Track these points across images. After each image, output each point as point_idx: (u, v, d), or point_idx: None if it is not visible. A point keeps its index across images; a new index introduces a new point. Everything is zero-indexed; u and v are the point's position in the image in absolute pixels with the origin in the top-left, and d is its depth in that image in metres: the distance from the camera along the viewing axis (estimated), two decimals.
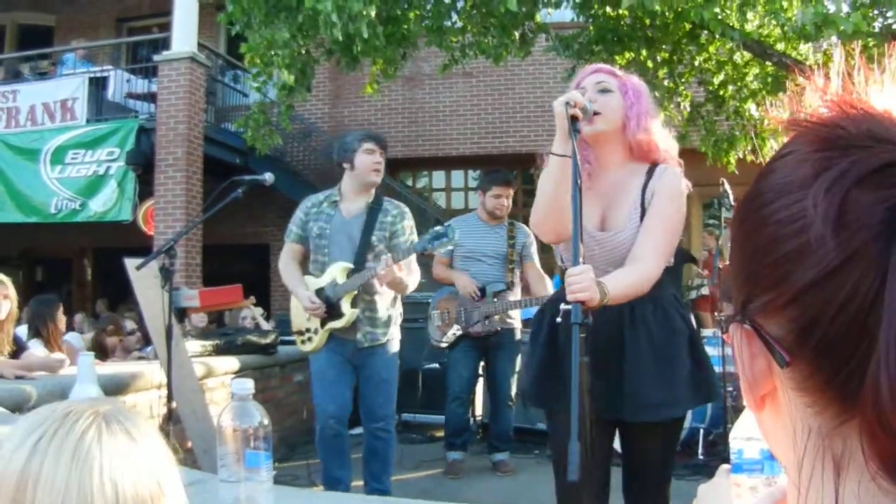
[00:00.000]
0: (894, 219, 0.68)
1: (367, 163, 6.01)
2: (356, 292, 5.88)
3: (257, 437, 2.12)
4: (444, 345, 7.77)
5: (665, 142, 3.71)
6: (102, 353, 7.84)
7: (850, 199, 0.71)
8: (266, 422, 2.14)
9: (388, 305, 6.08)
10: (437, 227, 5.60)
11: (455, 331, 7.67)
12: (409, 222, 6.09)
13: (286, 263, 6.22)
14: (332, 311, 5.91)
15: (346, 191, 6.15)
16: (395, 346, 6.20)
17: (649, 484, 3.68)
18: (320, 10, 8.81)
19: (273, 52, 9.74)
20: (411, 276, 5.92)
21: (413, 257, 5.92)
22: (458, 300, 7.68)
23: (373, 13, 9.16)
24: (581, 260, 3.11)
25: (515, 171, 18.79)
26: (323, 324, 5.99)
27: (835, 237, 0.70)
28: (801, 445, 0.78)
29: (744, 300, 0.82)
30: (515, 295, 7.83)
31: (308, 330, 6.10)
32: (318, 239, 6.04)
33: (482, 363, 8.09)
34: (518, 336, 7.91)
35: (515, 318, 7.91)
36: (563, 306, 3.09)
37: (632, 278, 3.42)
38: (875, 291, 0.68)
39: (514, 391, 7.78)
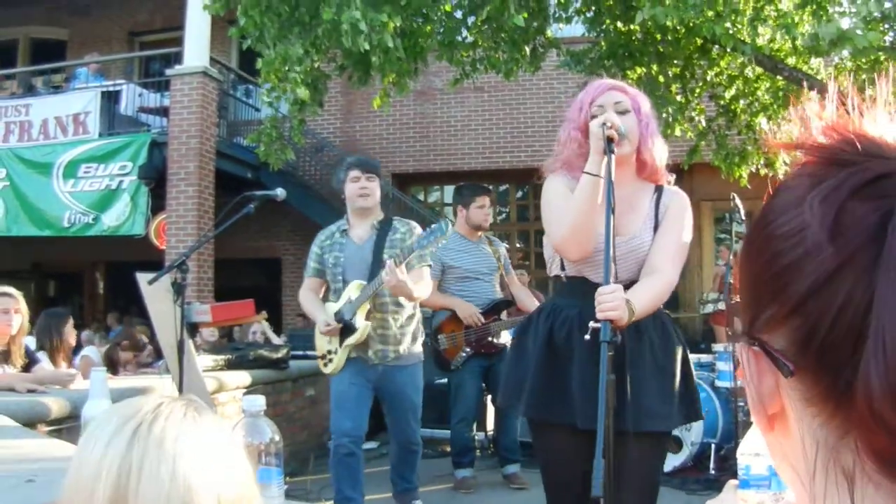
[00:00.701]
0: (885, 224, 0.70)
1: (353, 190, 6.12)
2: (369, 306, 5.92)
3: (269, 454, 2.13)
4: (454, 368, 7.76)
5: (662, 159, 3.77)
6: (112, 367, 7.82)
7: (845, 208, 0.74)
8: (277, 438, 2.15)
9: (401, 323, 6.11)
10: (432, 225, 5.69)
11: (465, 353, 7.67)
12: (419, 233, 6.09)
13: (305, 295, 6.33)
14: (349, 328, 5.97)
15: (351, 219, 6.25)
16: (416, 364, 6.28)
17: (638, 495, 3.67)
18: (343, 19, 8.83)
19: (288, 69, 9.75)
20: (419, 284, 5.94)
21: (425, 270, 6.04)
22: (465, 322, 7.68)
23: (398, 23, 9.20)
24: (611, 279, 3.13)
25: (527, 185, 18.88)
26: (341, 342, 6.03)
27: (831, 244, 0.73)
28: (811, 460, 0.79)
29: (749, 319, 0.84)
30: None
31: (329, 352, 6.16)
32: (333, 268, 6.14)
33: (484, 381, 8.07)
34: None
35: (507, 334, 7.95)
36: (592, 324, 3.11)
37: (654, 290, 3.50)
38: (870, 295, 0.70)
39: None
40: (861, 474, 0.74)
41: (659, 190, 3.77)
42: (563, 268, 3.75)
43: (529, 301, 7.88)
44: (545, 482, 3.82)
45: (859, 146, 0.78)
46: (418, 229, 6.17)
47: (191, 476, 1.13)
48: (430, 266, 6.20)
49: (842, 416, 0.74)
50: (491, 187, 19.06)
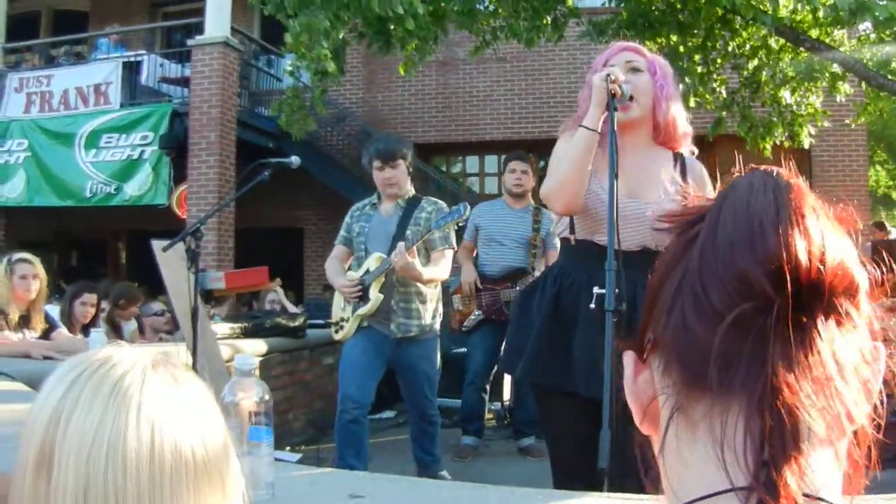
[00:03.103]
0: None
1: (378, 179, 6.18)
2: (384, 279, 5.94)
3: (259, 413, 2.12)
4: (464, 329, 7.77)
5: (684, 125, 3.68)
6: (117, 331, 7.75)
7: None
8: (267, 397, 2.14)
9: (425, 299, 6.13)
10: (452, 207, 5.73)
11: (476, 315, 7.68)
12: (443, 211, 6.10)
13: (329, 262, 6.39)
14: (363, 297, 6.00)
15: (382, 196, 6.29)
16: (433, 340, 6.28)
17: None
18: None
19: (313, 41, 9.73)
20: (438, 266, 5.98)
21: (448, 253, 6.09)
22: (481, 286, 7.69)
23: None
24: (616, 233, 3.05)
25: (549, 156, 18.82)
26: (354, 310, 6.06)
27: (680, 237, 0.93)
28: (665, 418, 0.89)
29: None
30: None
31: (342, 319, 6.20)
32: (358, 237, 6.20)
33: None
34: None
35: None
36: (596, 290, 3.06)
37: None
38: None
39: None
40: (677, 414, 0.87)
41: (679, 158, 3.67)
42: (572, 230, 3.63)
43: None
44: (549, 449, 3.79)
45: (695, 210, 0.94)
46: (445, 209, 6.14)
47: (125, 423, 1.06)
48: (452, 248, 6.20)
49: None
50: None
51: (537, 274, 7.82)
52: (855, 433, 0.85)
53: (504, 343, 4.07)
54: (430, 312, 6.19)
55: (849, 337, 0.83)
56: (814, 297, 0.81)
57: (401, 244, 5.58)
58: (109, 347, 1.18)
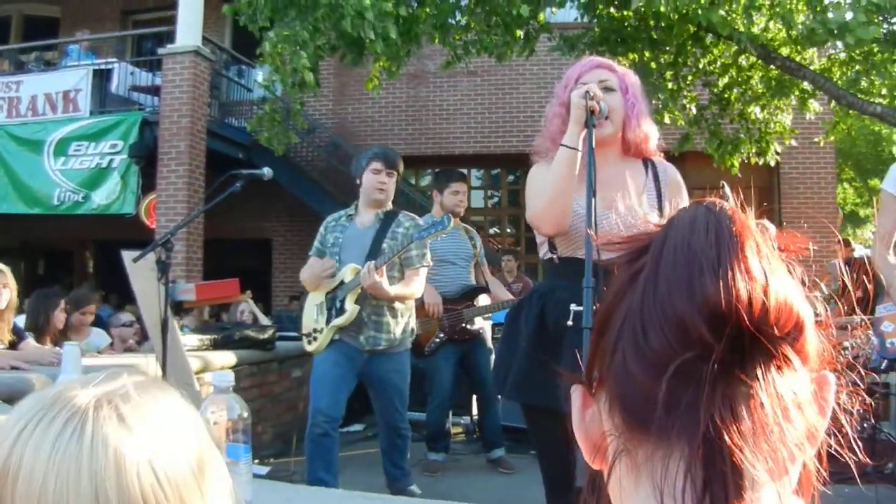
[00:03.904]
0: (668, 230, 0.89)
1: (372, 181, 6.13)
2: (359, 290, 5.90)
3: (237, 430, 2.10)
4: (427, 353, 7.76)
5: (654, 140, 3.70)
6: (64, 335, 7.60)
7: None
8: (245, 414, 2.12)
9: (397, 313, 6.10)
10: (435, 218, 5.74)
11: (441, 338, 7.68)
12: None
13: (304, 271, 6.32)
14: (339, 309, 5.98)
15: (360, 206, 6.26)
16: (404, 352, 6.26)
17: None
18: (347, 3, 8.82)
19: (292, 53, 9.72)
20: (409, 286, 6.00)
21: (422, 272, 6.12)
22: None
23: (402, 12, 9.20)
24: (596, 248, 3.05)
25: (519, 170, 18.86)
26: (328, 322, 6.02)
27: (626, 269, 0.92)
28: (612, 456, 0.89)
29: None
30: (485, 297, 7.90)
31: (315, 330, 6.16)
32: (332, 248, 6.16)
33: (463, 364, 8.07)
34: (489, 339, 8.10)
35: (483, 321, 8.04)
36: (573, 307, 3.06)
37: None
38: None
39: None
40: (621, 456, 0.87)
41: (650, 163, 3.70)
42: (553, 249, 3.65)
43: (502, 293, 7.95)
44: (541, 467, 3.76)
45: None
46: (422, 224, 6.14)
47: (66, 478, 1.01)
48: (428, 266, 6.22)
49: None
50: (482, 171, 19.18)
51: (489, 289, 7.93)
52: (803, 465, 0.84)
53: (494, 363, 4.06)
54: (402, 327, 6.16)
55: (792, 377, 0.82)
56: (755, 342, 0.79)
57: (370, 263, 5.59)
58: (56, 388, 1.13)
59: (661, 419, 0.79)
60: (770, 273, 0.82)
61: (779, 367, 0.80)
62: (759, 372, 0.79)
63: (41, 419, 1.04)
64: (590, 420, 0.95)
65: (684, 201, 3.62)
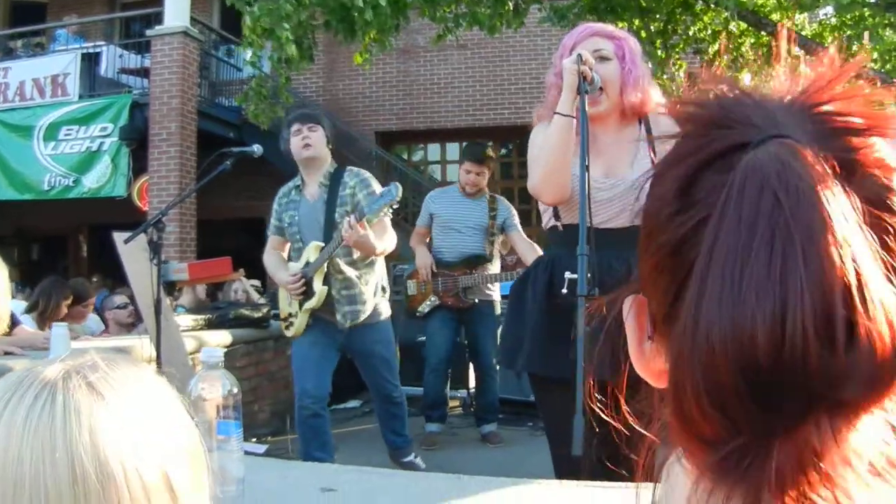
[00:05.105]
0: (727, 201, 0.68)
1: (296, 143, 5.97)
2: (325, 270, 5.85)
3: (227, 406, 2.08)
4: (419, 314, 7.74)
5: (653, 98, 3.65)
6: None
7: (696, 178, 0.74)
8: (235, 390, 2.10)
9: (367, 280, 6.03)
10: (383, 188, 5.54)
11: (432, 301, 7.67)
12: (369, 188, 5.90)
13: (268, 254, 6.30)
14: (308, 291, 5.92)
15: (303, 174, 6.14)
16: (384, 320, 6.21)
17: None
18: None
19: (273, 27, 9.68)
20: (383, 238, 5.79)
21: (386, 221, 5.82)
22: (437, 271, 7.68)
23: None
24: (589, 215, 3.02)
25: (511, 143, 18.83)
26: (300, 305, 5.99)
27: (679, 215, 0.74)
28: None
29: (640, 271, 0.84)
30: (495, 267, 7.87)
31: (290, 315, 6.13)
32: (290, 227, 6.08)
33: (463, 334, 8.10)
34: (498, 309, 7.96)
35: (495, 291, 7.92)
36: (568, 275, 3.04)
37: None
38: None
39: (496, 362, 7.81)
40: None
41: (643, 120, 3.65)
42: (557, 217, 3.63)
43: (529, 252, 7.82)
44: (549, 439, 3.72)
45: (728, 109, 0.77)
46: (370, 180, 5.99)
47: (41, 457, 0.98)
48: (388, 215, 5.76)
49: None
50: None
51: (496, 261, 7.85)
52: None
53: (500, 337, 4.02)
54: (373, 289, 6.07)
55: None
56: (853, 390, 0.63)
57: (350, 218, 5.37)
58: (22, 369, 1.09)
59: (723, 464, 0.66)
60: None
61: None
62: (845, 424, 0.64)
63: (10, 398, 1.02)
64: (650, 356, 0.84)
65: None
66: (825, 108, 0.74)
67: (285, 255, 6.27)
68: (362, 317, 5.97)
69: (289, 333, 6.20)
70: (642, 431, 0.86)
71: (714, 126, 0.76)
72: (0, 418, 1.01)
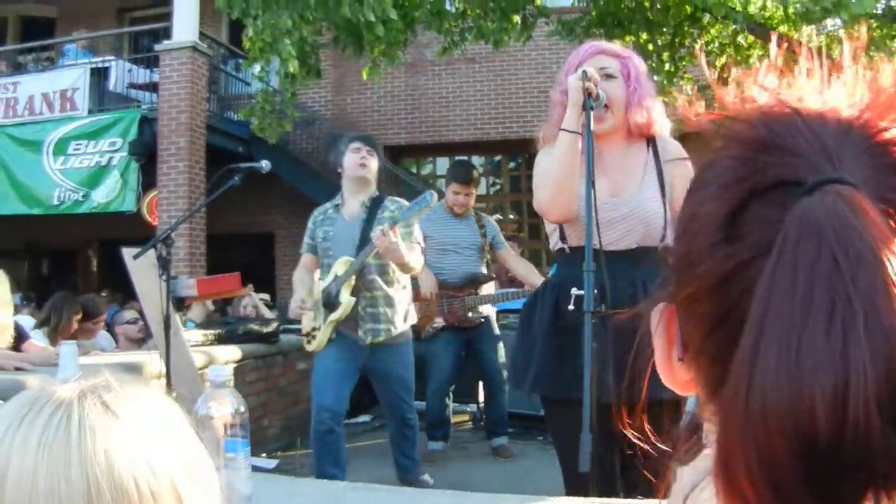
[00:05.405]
0: (773, 239, 0.65)
1: (353, 160, 6.11)
2: (353, 282, 5.91)
3: (234, 424, 2.09)
4: (424, 337, 7.74)
5: (661, 121, 3.66)
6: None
7: (745, 208, 0.70)
8: (243, 409, 2.11)
9: (392, 301, 6.09)
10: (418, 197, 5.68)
11: (437, 323, 7.68)
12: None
13: (297, 272, 6.34)
14: (334, 303, 5.96)
15: (345, 195, 6.24)
16: (405, 342, 6.26)
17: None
18: None
19: (275, 41, 9.72)
20: (412, 254, 5.91)
21: (416, 247, 6.02)
22: (440, 293, 7.68)
23: None
24: (596, 231, 3.03)
25: (519, 156, 18.84)
26: (325, 318, 6.03)
27: (725, 247, 0.70)
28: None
29: (673, 281, 0.80)
30: (490, 286, 7.89)
31: (314, 329, 6.16)
32: (323, 242, 6.14)
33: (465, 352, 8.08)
34: (496, 326, 8.07)
35: (490, 308, 8.00)
36: (574, 291, 3.05)
37: None
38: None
39: (504, 376, 7.84)
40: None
41: (651, 142, 3.66)
42: (563, 239, 3.63)
43: (528, 271, 7.86)
44: (560, 460, 3.70)
45: (781, 131, 0.72)
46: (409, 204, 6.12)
47: (57, 473, 0.99)
48: (420, 244, 6.15)
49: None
50: (483, 158, 19.13)
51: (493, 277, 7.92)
52: None
53: (509, 358, 4.01)
54: (401, 316, 6.16)
55: None
56: None
57: (382, 227, 5.53)
58: (36, 387, 1.11)
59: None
60: None
61: None
62: None
63: (25, 416, 1.03)
64: (677, 368, 0.82)
65: (688, 175, 3.60)
66: (887, 135, 0.70)
67: (316, 275, 6.30)
68: (383, 336, 6.01)
69: (310, 348, 6.22)
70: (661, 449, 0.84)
71: (762, 151, 0.72)
72: (16, 435, 1.02)
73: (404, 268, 5.98)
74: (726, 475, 0.64)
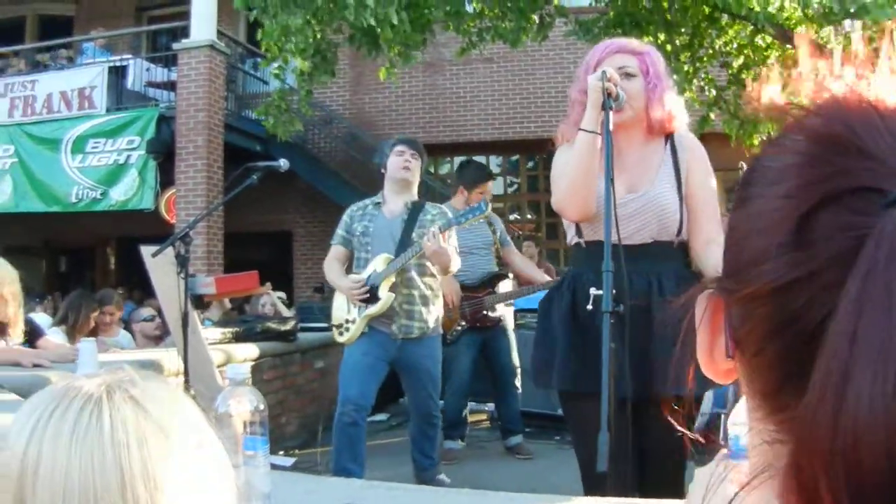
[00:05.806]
0: (857, 250, 0.60)
1: (397, 162, 6.27)
2: (394, 279, 5.99)
3: (254, 422, 2.09)
4: (449, 340, 7.75)
5: (680, 116, 3.66)
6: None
7: (817, 214, 0.65)
8: (262, 406, 2.11)
9: (428, 301, 6.18)
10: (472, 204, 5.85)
11: (462, 326, 7.69)
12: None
13: (329, 263, 6.37)
14: (371, 297, 6.01)
15: (387, 194, 6.34)
16: (436, 339, 6.34)
17: (668, 466, 3.52)
18: None
19: (286, 39, 9.75)
20: (454, 257, 6.01)
21: (454, 247, 6.11)
22: (462, 295, 7.70)
23: None
24: (615, 229, 3.03)
25: (537, 156, 18.81)
26: (360, 312, 6.08)
27: (795, 251, 0.65)
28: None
29: (725, 272, 0.76)
30: (507, 283, 7.94)
31: (347, 321, 6.20)
32: (362, 237, 6.21)
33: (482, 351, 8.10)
34: (510, 326, 8.17)
35: (504, 308, 8.09)
36: (593, 291, 3.05)
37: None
38: (822, 318, 0.62)
39: (517, 376, 7.95)
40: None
41: (669, 139, 3.66)
42: (580, 234, 3.63)
43: (531, 269, 7.91)
44: (578, 455, 3.69)
45: (860, 131, 0.65)
46: (450, 213, 6.25)
47: (91, 465, 1.01)
48: (457, 250, 6.21)
49: (771, 422, 0.69)
50: (501, 158, 19.13)
51: (510, 275, 7.95)
52: None
53: (531, 358, 3.99)
54: (434, 315, 6.25)
55: None
56: None
57: (434, 228, 5.67)
58: (64, 381, 1.13)
59: None
60: None
61: None
62: None
63: (53, 411, 1.04)
64: (720, 357, 0.78)
65: (704, 169, 3.60)
66: None
67: (344, 267, 6.37)
68: (415, 332, 6.09)
69: (342, 339, 6.25)
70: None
71: (838, 152, 0.66)
72: (46, 430, 1.03)
73: (444, 270, 6.07)
74: (801, 489, 0.61)
